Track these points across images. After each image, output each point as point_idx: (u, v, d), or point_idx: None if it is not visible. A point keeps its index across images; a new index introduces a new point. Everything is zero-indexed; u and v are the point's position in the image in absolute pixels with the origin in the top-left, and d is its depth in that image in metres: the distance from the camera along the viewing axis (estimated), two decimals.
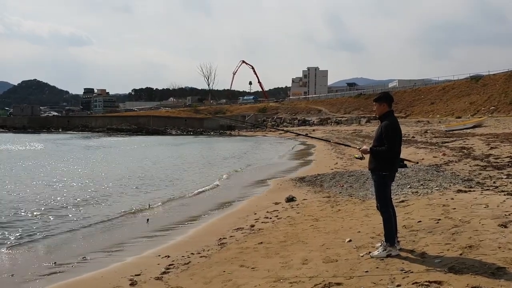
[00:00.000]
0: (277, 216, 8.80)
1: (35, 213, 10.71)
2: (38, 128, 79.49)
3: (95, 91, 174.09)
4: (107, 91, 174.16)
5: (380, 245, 5.31)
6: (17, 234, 8.79)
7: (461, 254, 4.88)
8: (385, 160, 5.22)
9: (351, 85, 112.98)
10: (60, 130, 78.66)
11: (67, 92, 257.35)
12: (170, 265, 6.18)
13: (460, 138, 22.63)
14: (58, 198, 12.72)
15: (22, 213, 10.71)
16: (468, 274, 4.27)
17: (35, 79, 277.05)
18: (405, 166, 5.79)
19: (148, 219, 10.07)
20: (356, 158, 5.73)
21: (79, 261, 7.00)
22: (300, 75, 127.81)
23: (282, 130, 23.56)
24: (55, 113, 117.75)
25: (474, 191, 8.69)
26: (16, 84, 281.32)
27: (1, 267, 6.93)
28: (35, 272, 6.56)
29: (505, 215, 6.31)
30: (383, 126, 5.27)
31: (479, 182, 9.71)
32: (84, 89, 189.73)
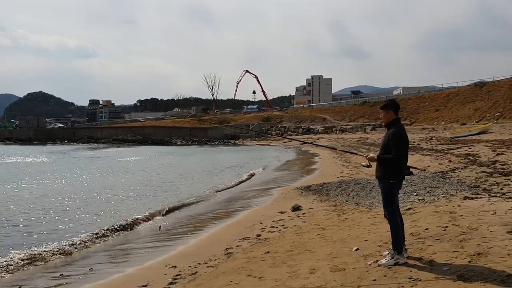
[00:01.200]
0: (283, 225, 8.77)
1: (42, 225, 10.75)
2: (43, 140, 79.83)
3: (101, 102, 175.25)
4: (112, 102, 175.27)
5: (388, 253, 5.27)
6: (25, 246, 8.81)
7: (469, 262, 4.84)
8: (392, 167, 5.21)
9: (355, 93, 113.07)
10: (66, 141, 79.01)
11: (72, 104, 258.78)
12: (177, 275, 6.17)
13: (466, 145, 22.54)
14: (65, 210, 12.76)
15: (29, 225, 10.74)
16: (477, 282, 4.24)
17: (41, 91, 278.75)
18: (411, 173, 5.77)
19: (160, 226, 10.14)
20: (363, 166, 5.71)
21: (85, 272, 7.01)
22: (304, 83, 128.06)
23: (287, 138, 23.51)
24: (61, 125, 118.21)
25: (481, 197, 8.63)
26: (22, 96, 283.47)
27: (8, 279, 6.94)
28: (42, 284, 6.58)
29: None
30: (390, 133, 5.27)
31: (486, 189, 9.65)
32: (90, 100, 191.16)
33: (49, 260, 7.94)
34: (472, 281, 4.27)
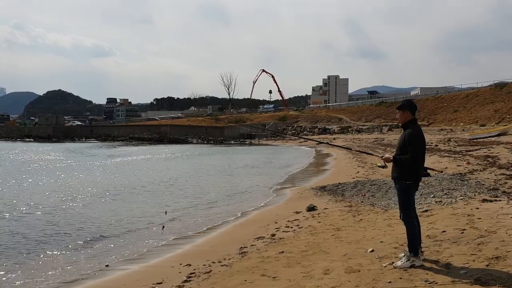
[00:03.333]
0: (298, 225, 8.75)
1: (57, 223, 10.90)
2: (62, 137, 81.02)
3: (118, 100, 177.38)
4: (129, 100, 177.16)
5: (404, 256, 5.22)
6: (42, 243, 8.95)
7: (487, 265, 4.77)
8: (409, 169, 5.15)
9: (372, 93, 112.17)
10: (84, 139, 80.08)
11: (90, 102, 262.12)
12: (191, 273, 6.20)
13: (485, 147, 22.17)
14: (78, 208, 12.92)
15: (44, 223, 10.89)
16: (495, 286, 4.18)
17: (60, 90, 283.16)
18: (428, 175, 5.69)
19: (163, 226, 10.15)
20: (379, 166, 5.66)
21: (101, 269, 7.09)
22: (320, 83, 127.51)
23: (303, 138, 23.44)
24: (79, 123, 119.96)
25: (500, 200, 8.50)
26: (41, 94, 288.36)
27: (27, 275, 7.05)
28: (59, 280, 6.68)
29: None
30: (407, 134, 5.21)
31: (505, 192, 9.49)
32: (107, 99, 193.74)
33: (66, 256, 8.04)
34: (490, 285, 4.21)
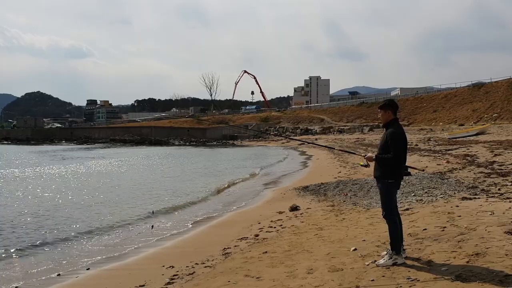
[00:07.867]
0: (281, 225, 8.76)
1: (38, 225, 10.71)
2: (41, 140, 79.71)
3: (98, 102, 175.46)
4: (110, 102, 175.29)
5: (386, 254, 5.27)
6: (22, 247, 8.78)
7: (468, 262, 4.84)
8: (391, 167, 5.19)
9: (353, 93, 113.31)
10: (63, 141, 78.88)
11: (70, 104, 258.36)
12: (174, 275, 6.15)
13: (464, 146, 22.58)
14: (61, 209, 12.72)
15: (25, 226, 10.69)
16: (475, 282, 4.23)
17: (39, 91, 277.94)
18: (409, 174, 5.75)
19: (152, 225, 10.14)
20: (361, 165, 5.69)
21: (82, 272, 6.98)
22: (302, 84, 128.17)
23: (285, 137, 23.51)
24: (58, 125, 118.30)
25: (479, 198, 8.64)
26: (19, 96, 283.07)
27: (7, 279, 6.91)
28: (39, 284, 6.55)
29: (511, 222, 6.26)
30: (389, 133, 5.26)
31: (484, 189, 9.66)
32: (87, 100, 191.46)
33: (47, 260, 7.91)
34: (470, 281, 4.27)
